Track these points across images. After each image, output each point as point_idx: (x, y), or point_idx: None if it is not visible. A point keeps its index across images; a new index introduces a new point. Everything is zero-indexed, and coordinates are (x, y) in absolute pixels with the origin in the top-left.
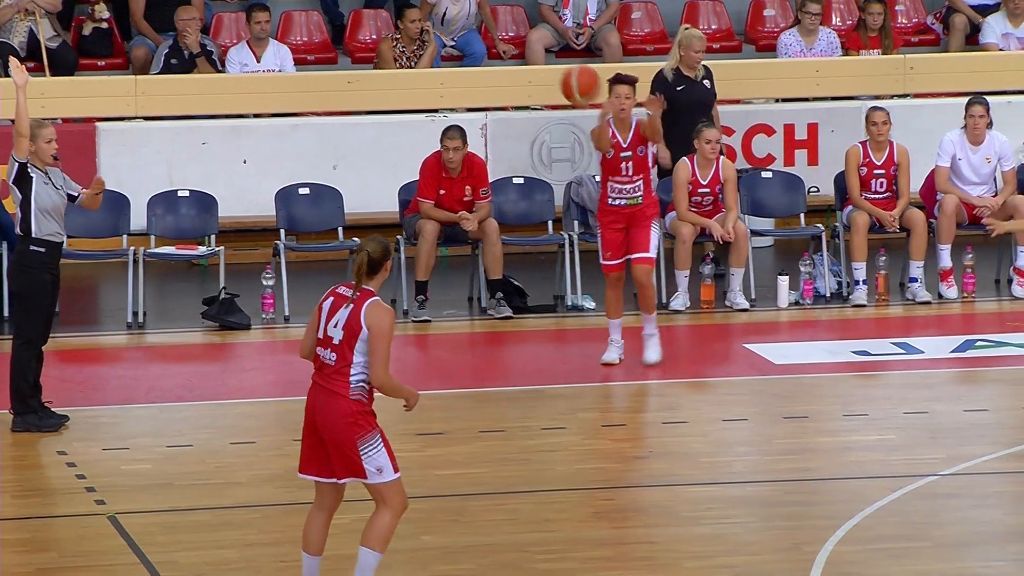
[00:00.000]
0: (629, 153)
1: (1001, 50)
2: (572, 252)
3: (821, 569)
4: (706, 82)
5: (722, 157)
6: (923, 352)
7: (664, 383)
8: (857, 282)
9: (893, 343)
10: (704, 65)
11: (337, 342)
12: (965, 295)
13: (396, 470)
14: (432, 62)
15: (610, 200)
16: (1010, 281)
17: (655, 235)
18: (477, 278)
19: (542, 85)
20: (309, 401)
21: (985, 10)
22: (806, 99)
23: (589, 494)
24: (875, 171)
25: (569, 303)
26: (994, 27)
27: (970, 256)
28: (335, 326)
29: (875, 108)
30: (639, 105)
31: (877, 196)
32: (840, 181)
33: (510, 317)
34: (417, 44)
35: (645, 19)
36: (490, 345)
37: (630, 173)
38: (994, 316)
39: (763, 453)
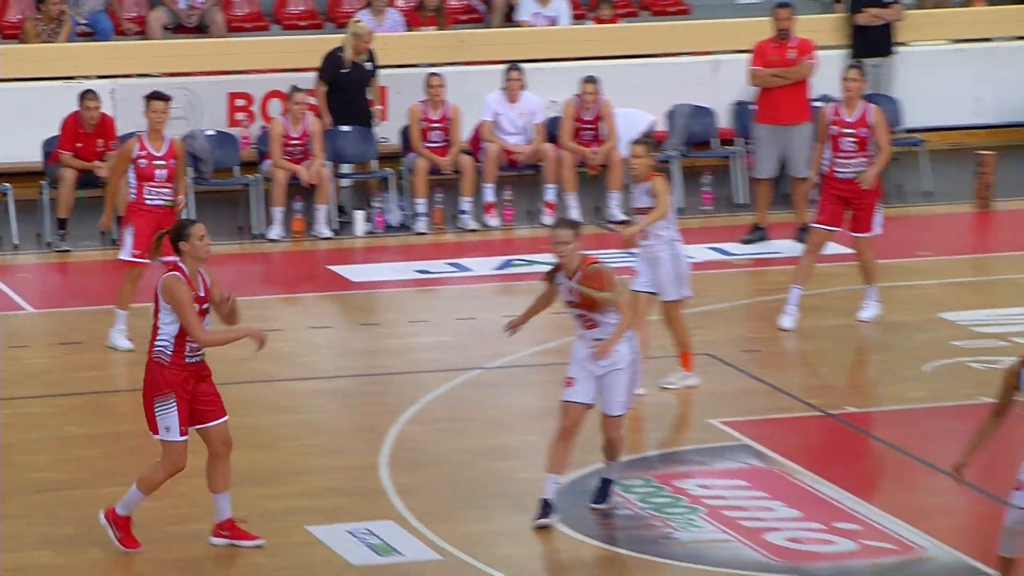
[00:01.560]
0: (163, 161)
1: (532, 26)
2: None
3: (391, 444)
4: (368, 64)
5: (309, 115)
6: (471, 270)
7: (262, 299)
8: (418, 214)
9: (447, 263)
10: (370, 49)
11: (152, 310)
12: (505, 224)
13: (183, 434)
14: (68, 37)
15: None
16: (540, 212)
17: None
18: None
19: (161, 56)
20: None
21: None
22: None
23: None
24: (432, 125)
25: None
26: (526, 7)
27: (509, 193)
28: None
29: (433, 74)
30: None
31: (436, 145)
32: (405, 134)
33: None
34: (55, 23)
35: (245, 2)
36: (120, 270)
37: (163, 180)
38: (528, 240)
39: (343, 353)
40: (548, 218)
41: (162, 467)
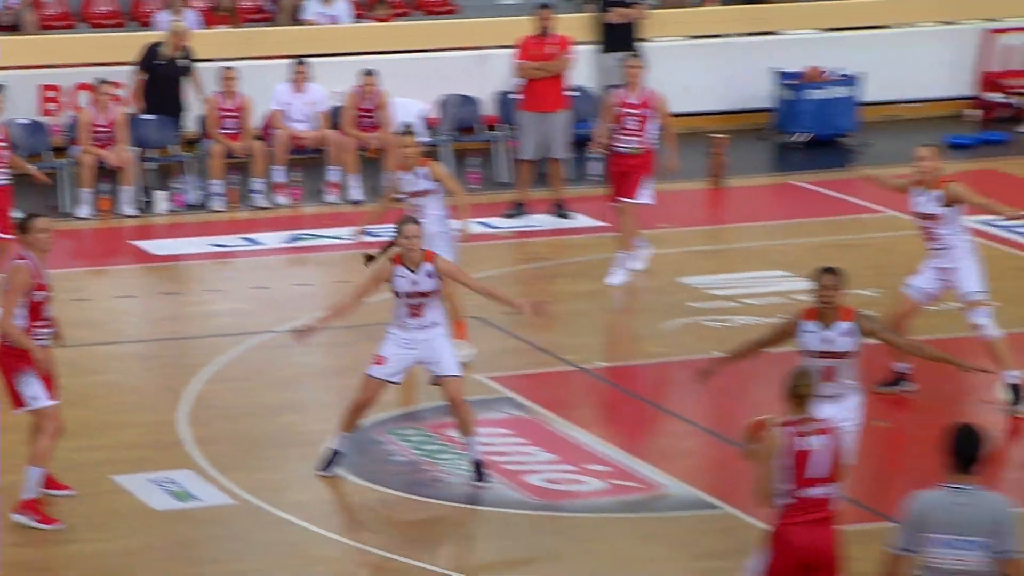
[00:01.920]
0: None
1: (317, 24)
2: None
3: (189, 402)
4: (183, 60)
5: (113, 105)
6: (263, 244)
7: (72, 271)
8: (215, 194)
9: (241, 237)
10: (185, 46)
11: None
12: (293, 202)
13: (52, 398)
14: None
15: None
16: (324, 191)
17: None
18: None
19: None
20: None
21: None
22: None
23: None
24: (227, 113)
25: None
26: (311, 6)
27: (296, 174)
28: None
29: (227, 68)
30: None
31: (230, 131)
32: (203, 122)
33: None
34: None
35: (55, 3)
36: None
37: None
38: (314, 216)
39: (146, 320)
40: (332, 196)
41: (45, 435)
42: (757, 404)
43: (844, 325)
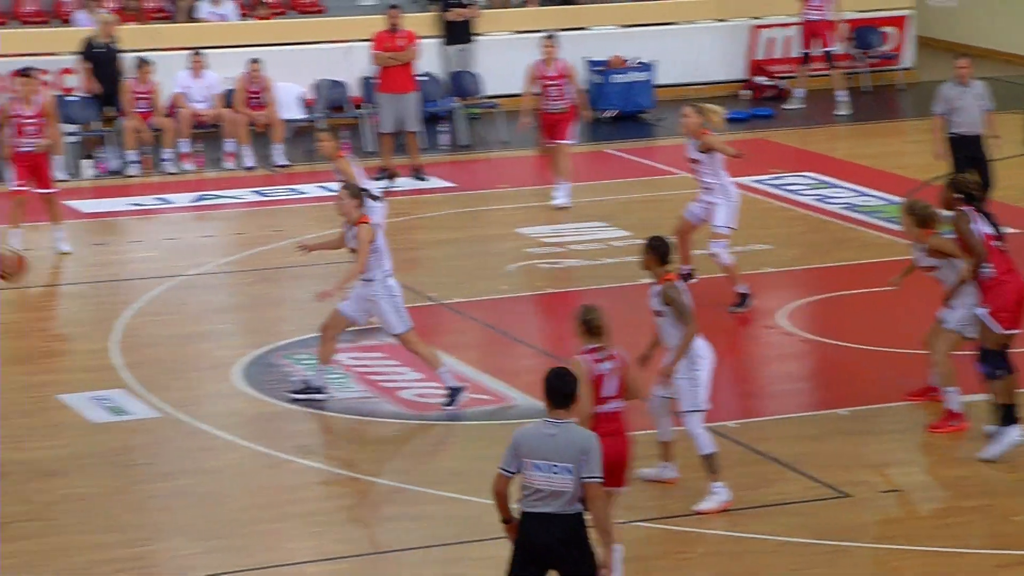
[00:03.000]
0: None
1: (209, 21)
2: None
3: (119, 333)
4: (114, 46)
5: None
6: (174, 202)
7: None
8: (131, 162)
9: (155, 198)
10: (113, 35)
11: None
12: (197, 168)
13: None
14: None
15: None
16: (222, 159)
17: None
18: None
19: None
20: None
21: None
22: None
23: None
24: (139, 95)
25: None
26: (203, 7)
27: (199, 145)
28: None
29: (142, 59)
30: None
31: (142, 110)
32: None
33: None
34: None
35: None
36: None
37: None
38: (215, 180)
39: (81, 266)
40: (229, 163)
41: None
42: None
43: (656, 288)
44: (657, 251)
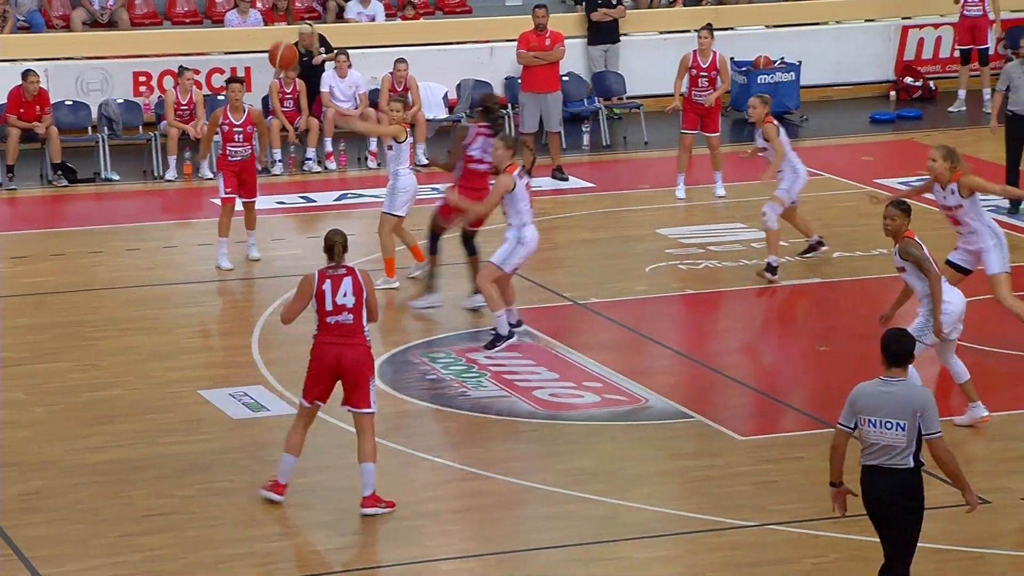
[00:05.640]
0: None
1: (357, 22)
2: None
3: (259, 330)
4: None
5: (194, 88)
6: (317, 201)
7: (162, 223)
8: (276, 160)
9: (299, 196)
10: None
11: None
12: (340, 167)
13: None
14: (11, 30)
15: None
16: (366, 158)
17: None
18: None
19: (82, 44)
20: None
21: None
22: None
23: None
24: (286, 95)
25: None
26: (352, 7)
27: (343, 145)
28: None
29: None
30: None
31: (288, 109)
32: (265, 102)
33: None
34: (1, 20)
35: (144, 3)
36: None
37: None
38: (358, 179)
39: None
40: (372, 163)
41: None
42: (724, 333)
43: (896, 248)
44: (903, 209)
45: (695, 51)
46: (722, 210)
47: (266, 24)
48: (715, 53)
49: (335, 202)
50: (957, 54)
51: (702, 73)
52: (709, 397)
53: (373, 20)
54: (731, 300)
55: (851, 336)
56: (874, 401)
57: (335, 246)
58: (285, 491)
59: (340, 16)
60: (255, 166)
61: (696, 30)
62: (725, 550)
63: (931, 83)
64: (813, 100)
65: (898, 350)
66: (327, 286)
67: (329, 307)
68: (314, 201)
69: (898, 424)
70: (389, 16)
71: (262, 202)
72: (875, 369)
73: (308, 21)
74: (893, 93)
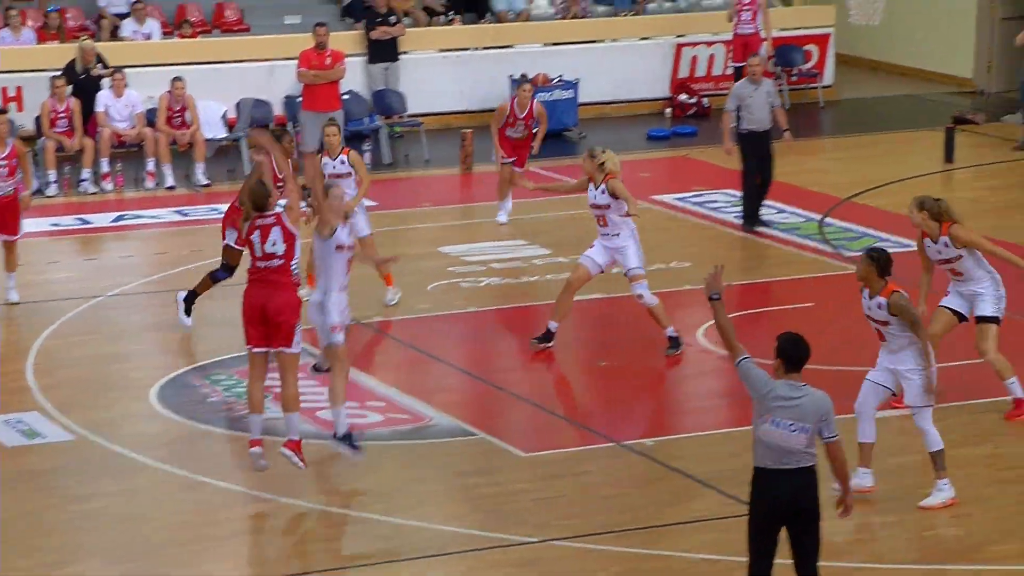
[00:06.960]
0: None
1: (133, 40)
2: None
3: (34, 354)
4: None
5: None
6: (92, 223)
7: None
8: (50, 182)
9: (74, 218)
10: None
11: None
12: (117, 188)
13: None
14: None
15: None
16: (143, 179)
17: None
18: None
19: None
20: None
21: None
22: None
23: None
24: (59, 115)
25: None
26: (128, 26)
27: (119, 164)
28: None
29: (56, 77)
30: None
31: (62, 130)
32: (38, 122)
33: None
34: None
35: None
36: None
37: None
38: (136, 200)
39: None
40: (150, 183)
41: None
42: (507, 350)
43: (879, 300)
44: (878, 263)
45: (514, 99)
46: (504, 228)
47: (39, 43)
48: (533, 102)
49: (112, 223)
50: (731, 71)
51: (519, 121)
52: (493, 414)
53: (149, 38)
54: (514, 317)
55: (631, 350)
56: (784, 404)
57: (260, 199)
58: (262, 443)
59: (115, 34)
60: (18, 203)
61: (520, 82)
62: (508, 567)
63: (704, 100)
64: (591, 117)
65: (800, 355)
66: (256, 236)
67: (259, 253)
68: (90, 223)
69: (803, 428)
70: (166, 34)
71: (35, 224)
72: (655, 384)
73: (86, 37)
74: (668, 110)
